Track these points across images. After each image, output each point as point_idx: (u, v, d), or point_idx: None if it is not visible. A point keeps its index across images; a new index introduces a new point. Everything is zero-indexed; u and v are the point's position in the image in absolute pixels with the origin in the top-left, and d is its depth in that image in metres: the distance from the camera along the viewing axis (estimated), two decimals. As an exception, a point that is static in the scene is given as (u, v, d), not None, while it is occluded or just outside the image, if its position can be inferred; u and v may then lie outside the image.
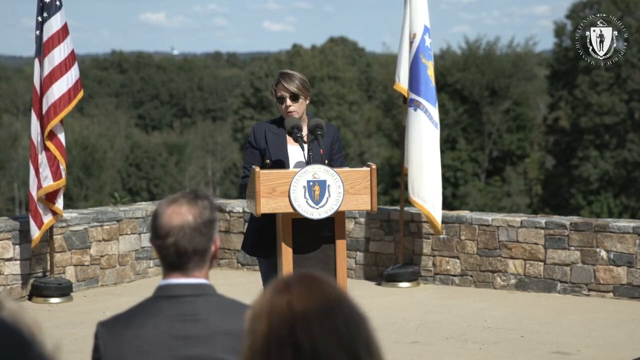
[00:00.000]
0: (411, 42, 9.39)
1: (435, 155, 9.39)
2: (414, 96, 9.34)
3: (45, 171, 8.84)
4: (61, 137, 8.96)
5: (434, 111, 9.37)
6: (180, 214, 2.83)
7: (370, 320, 1.96)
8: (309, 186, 5.63)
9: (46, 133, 8.81)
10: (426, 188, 9.28)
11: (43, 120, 8.84)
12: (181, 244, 2.82)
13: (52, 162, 8.87)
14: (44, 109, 8.84)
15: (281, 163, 6.02)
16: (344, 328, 1.90)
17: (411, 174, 9.34)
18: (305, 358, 1.87)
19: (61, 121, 8.94)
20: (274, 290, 1.96)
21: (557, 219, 9.38)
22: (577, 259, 9.13)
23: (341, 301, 1.95)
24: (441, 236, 9.61)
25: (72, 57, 8.98)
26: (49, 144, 8.84)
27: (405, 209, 9.69)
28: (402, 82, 9.53)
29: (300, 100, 6.04)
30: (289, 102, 6.02)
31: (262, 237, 6.00)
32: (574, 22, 43.89)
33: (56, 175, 8.87)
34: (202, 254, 2.87)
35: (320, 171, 5.66)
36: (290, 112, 6.02)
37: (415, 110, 9.34)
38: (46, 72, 8.86)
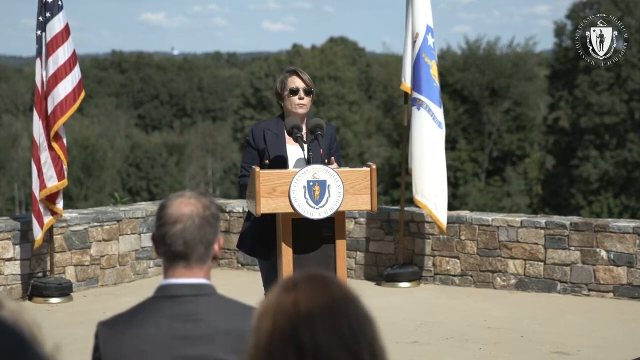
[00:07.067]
0: (414, 42, 9.39)
1: (438, 154, 9.35)
2: (416, 95, 9.33)
3: (50, 171, 8.82)
4: (64, 137, 8.96)
5: (438, 111, 9.33)
6: (190, 204, 2.90)
7: (376, 322, 1.96)
8: (309, 186, 5.63)
9: (52, 133, 8.79)
10: (429, 187, 9.26)
11: (48, 120, 8.82)
12: (189, 231, 2.87)
13: (57, 162, 8.86)
14: (50, 108, 8.81)
15: (280, 163, 6.01)
16: (347, 328, 1.90)
17: (414, 174, 9.33)
18: (307, 357, 1.87)
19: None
20: (281, 288, 1.98)
21: (557, 219, 9.37)
22: (577, 259, 9.13)
23: (347, 301, 1.95)
24: (441, 236, 9.61)
25: (74, 57, 8.98)
26: (54, 144, 8.82)
27: (405, 209, 9.68)
28: (409, 83, 9.52)
29: (311, 96, 6.04)
30: (302, 94, 5.99)
31: (262, 237, 6.00)
32: (574, 22, 43.90)
33: (60, 175, 8.86)
34: (207, 245, 2.90)
35: (320, 171, 5.66)
36: (301, 105, 5.99)
37: (418, 109, 9.32)
38: (51, 71, 8.84)
